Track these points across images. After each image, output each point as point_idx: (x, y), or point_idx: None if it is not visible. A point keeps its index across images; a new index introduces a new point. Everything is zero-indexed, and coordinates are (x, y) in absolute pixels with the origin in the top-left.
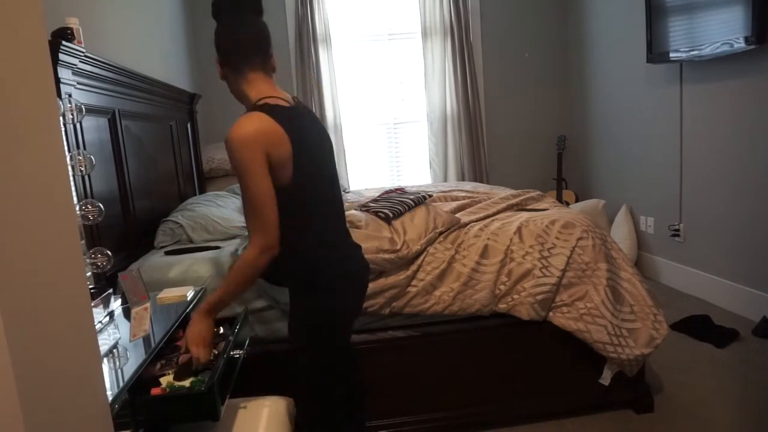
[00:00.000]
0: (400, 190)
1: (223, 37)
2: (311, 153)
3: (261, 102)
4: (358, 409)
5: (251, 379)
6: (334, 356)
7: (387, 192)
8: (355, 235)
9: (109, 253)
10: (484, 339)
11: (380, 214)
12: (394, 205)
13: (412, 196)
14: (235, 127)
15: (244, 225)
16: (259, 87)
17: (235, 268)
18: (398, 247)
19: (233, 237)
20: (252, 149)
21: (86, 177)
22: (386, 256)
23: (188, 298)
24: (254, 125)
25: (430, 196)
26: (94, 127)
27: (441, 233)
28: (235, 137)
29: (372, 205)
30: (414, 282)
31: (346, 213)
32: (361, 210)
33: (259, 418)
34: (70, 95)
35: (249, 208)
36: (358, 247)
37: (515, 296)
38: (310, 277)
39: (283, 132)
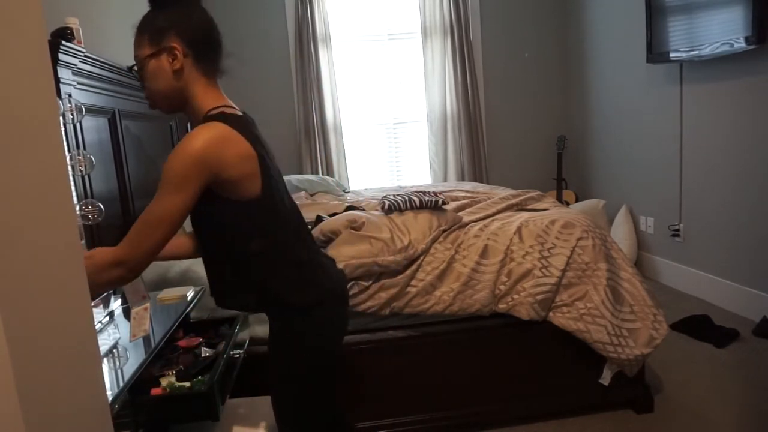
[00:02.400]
0: (420, 192)
1: (191, 24)
2: (272, 164)
3: (217, 111)
4: None
5: (251, 379)
6: (330, 381)
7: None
8: (352, 236)
9: None
10: (484, 339)
11: (383, 204)
12: (395, 199)
13: (426, 198)
14: (196, 136)
15: None
16: (215, 91)
17: (88, 261)
18: (405, 246)
19: None
20: (198, 165)
21: (86, 177)
22: (396, 257)
23: (188, 298)
24: (218, 139)
25: (445, 203)
26: (94, 127)
27: (444, 231)
28: (190, 147)
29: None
30: (414, 282)
31: (346, 214)
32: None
33: (259, 418)
34: (70, 95)
35: (146, 218)
36: (332, 259)
37: (515, 296)
38: (300, 297)
39: (248, 144)
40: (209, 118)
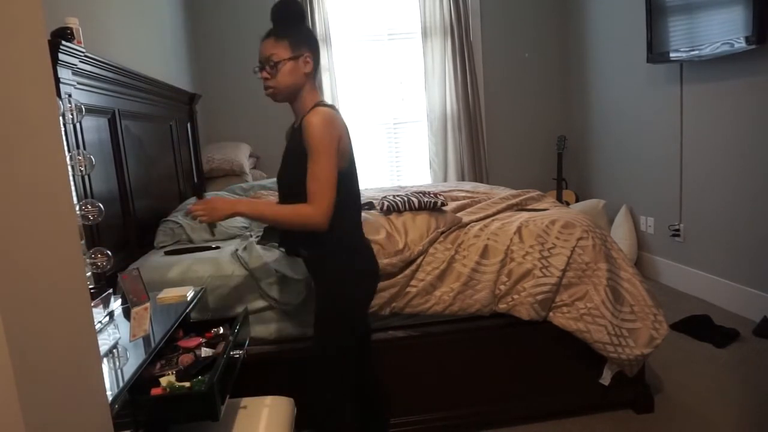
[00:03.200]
0: (420, 192)
1: (314, 39)
2: (353, 152)
3: (325, 103)
4: (373, 407)
5: (251, 379)
6: (350, 342)
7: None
8: None
9: (109, 253)
10: (484, 339)
11: (382, 204)
12: (394, 200)
13: (425, 199)
14: (316, 114)
15: (245, 225)
16: (316, 91)
17: (292, 210)
18: (401, 248)
19: (233, 237)
20: (332, 133)
21: (86, 177)
22: (391, 260)
23: (188, 298)
24: (333, 116)
25: (445, 204)
26: (94, 127)
27: (442, 233)
28: (318, 121)
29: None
30: (414, 282)
31: None
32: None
33: (259, 418)
34: (70, 95)
35: (318, 180)
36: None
37: (515, 296)
38: (343, 263)
39: (346, 127)
40: (321, 105)
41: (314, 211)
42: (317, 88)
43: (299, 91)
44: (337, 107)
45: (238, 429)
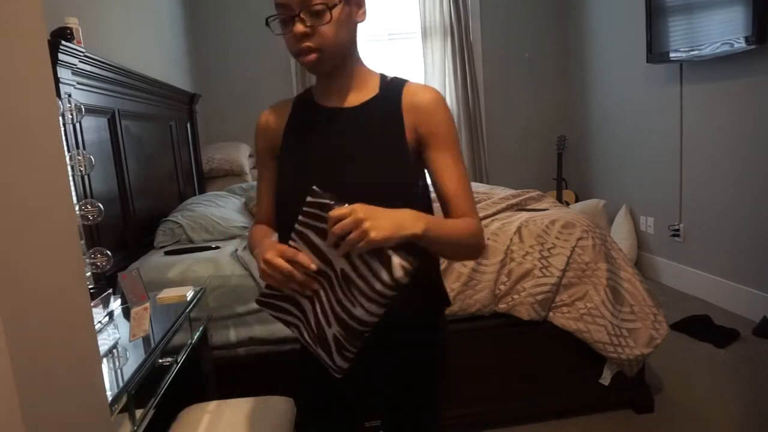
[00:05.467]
0: None
1: None
2: None
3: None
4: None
5: (251, 379)
6: None
7: None
8: None
9: (109, 253)
10: (484, 339)
11: None
12: None
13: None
14: (436, 92)
15: (244, 225)
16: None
17: (465, 224)
18: None
19: (233, 237)
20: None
21: (86, 177)
22: None
23: (188, 298)
24: None
25: None
26: (93, 127)
27: None
28: (447, 107)
29: None
30: None
31: None
32: None
33: (259, 418)
34: (69, 95)
35: (468, 183)
36: None
37: (515, 296)
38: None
39: None
40: (401, 80)
41: (479, 224)
42: None
43: (350, 53)
44: None
45: (238, 429)
